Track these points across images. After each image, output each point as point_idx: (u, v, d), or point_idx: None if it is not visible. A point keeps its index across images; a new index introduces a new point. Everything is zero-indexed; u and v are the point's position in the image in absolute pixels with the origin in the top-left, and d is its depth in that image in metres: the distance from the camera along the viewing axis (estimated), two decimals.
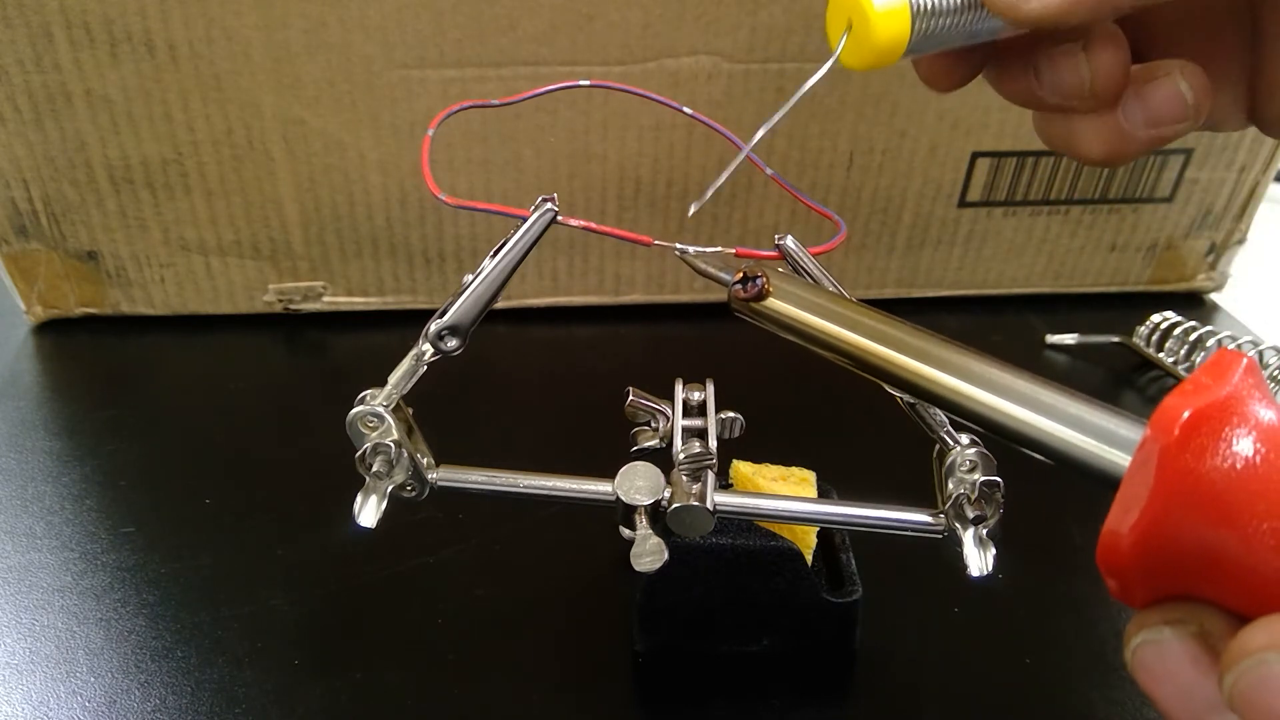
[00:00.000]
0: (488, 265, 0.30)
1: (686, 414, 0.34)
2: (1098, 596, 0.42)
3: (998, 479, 0.30)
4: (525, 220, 0.30)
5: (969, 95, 0.56)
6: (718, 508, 0.32)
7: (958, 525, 0.31)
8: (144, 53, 0.50)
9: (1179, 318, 0.59)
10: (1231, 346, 0.57)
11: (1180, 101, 0.27)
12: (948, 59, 0.29)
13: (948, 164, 0.59)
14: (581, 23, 0.52)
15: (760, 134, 0.28)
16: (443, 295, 0.60)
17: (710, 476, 0.32)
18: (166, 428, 0.52)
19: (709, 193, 0.29)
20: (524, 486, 0.33)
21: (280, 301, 0.61)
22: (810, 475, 0.38)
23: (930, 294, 0.65)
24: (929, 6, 0.25)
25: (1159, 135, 0.28)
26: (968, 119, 0.58)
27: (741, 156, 0.29)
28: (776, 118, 0.28)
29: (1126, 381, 0.59)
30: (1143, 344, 0.59)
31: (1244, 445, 0.19)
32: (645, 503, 0.32)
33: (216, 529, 0.45)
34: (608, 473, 0.33)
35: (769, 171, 0.35)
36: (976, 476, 0.30)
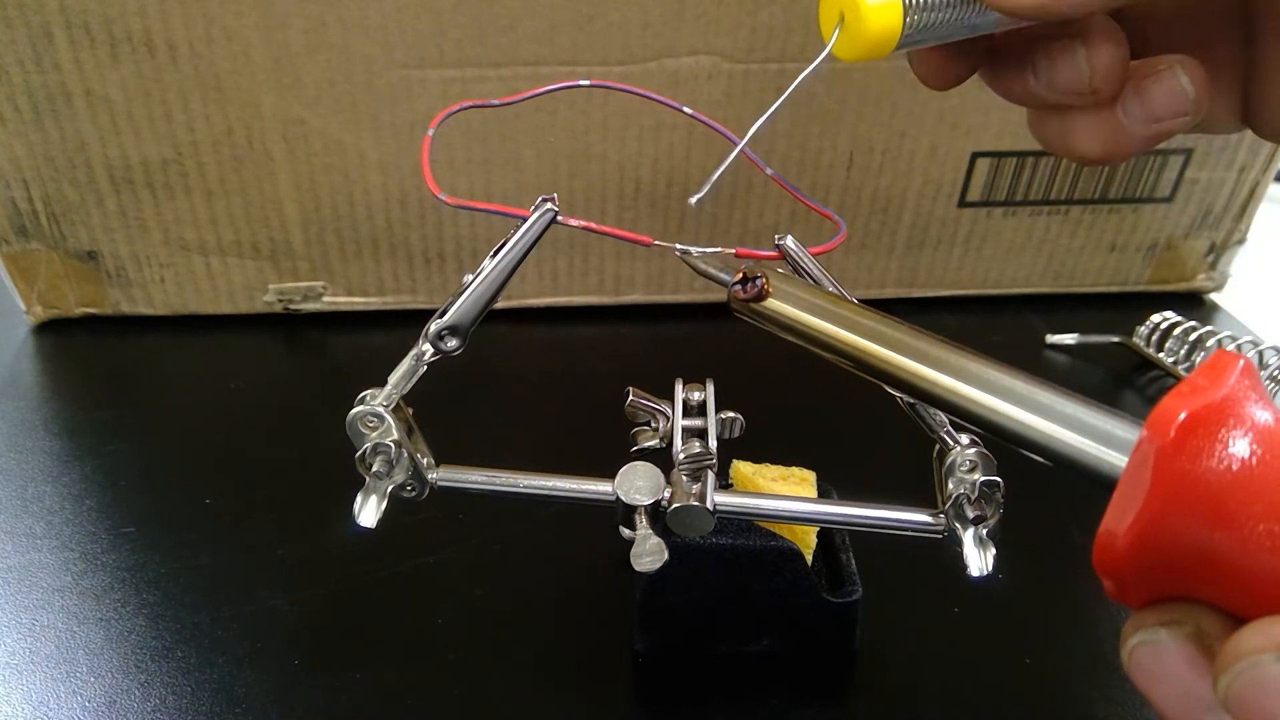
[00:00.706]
0: (488, 265, 0.30)
1: (686, 414, 0.34)
2: (1098, 596, 0.42)
3: (998, 479, 0.30)
4: (525, 220, 0.30)
5: (969, 95, 0.56)
6: (718, 508, 0.32)
7: (958, 525, 0.31)
8: (144, 53, 0.50)
9: (1179, 318, 0.59)
10: (1231, 346, 0.57)
11: (1181, 96, 0.27)
12: (943, 56, 0.28)
13: (948, 164, 0.59)
14: (581, 23, 0.52)
15: (756, 126, 0.29)
16: (443, 295, 0.60)
17: (710, 476, 0.32)
18: (166, 428, 0.52)
19: (708, 184, 0.29)
20: (524, 486, 0.33)
21: (280, 301, 0.61)
22: (810, 475, 0.38)
23: (930, 294, 0.65)
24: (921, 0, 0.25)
25: (1158, 131, 0.28)
26: (968, 119, 0.58)
27: (737, 151, 0.29)
28: (772, 109, 0.28)
29: (1126, 381, 0.59)
30: (1143, 344, 0.59)
31: (1240, 447, 0.19)
32: (645, 503, 0.32)
33: (216, 529, 0.45)
34: (608, 473, 0.33)
35: (769, 171, 0.35)
36: (976, 476, 0.30)
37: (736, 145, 0.30)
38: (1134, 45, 0.28)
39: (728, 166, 0.29)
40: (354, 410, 0.31)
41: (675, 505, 0.31)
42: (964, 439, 0.31)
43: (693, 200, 0.30)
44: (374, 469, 0.32)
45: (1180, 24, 0.29)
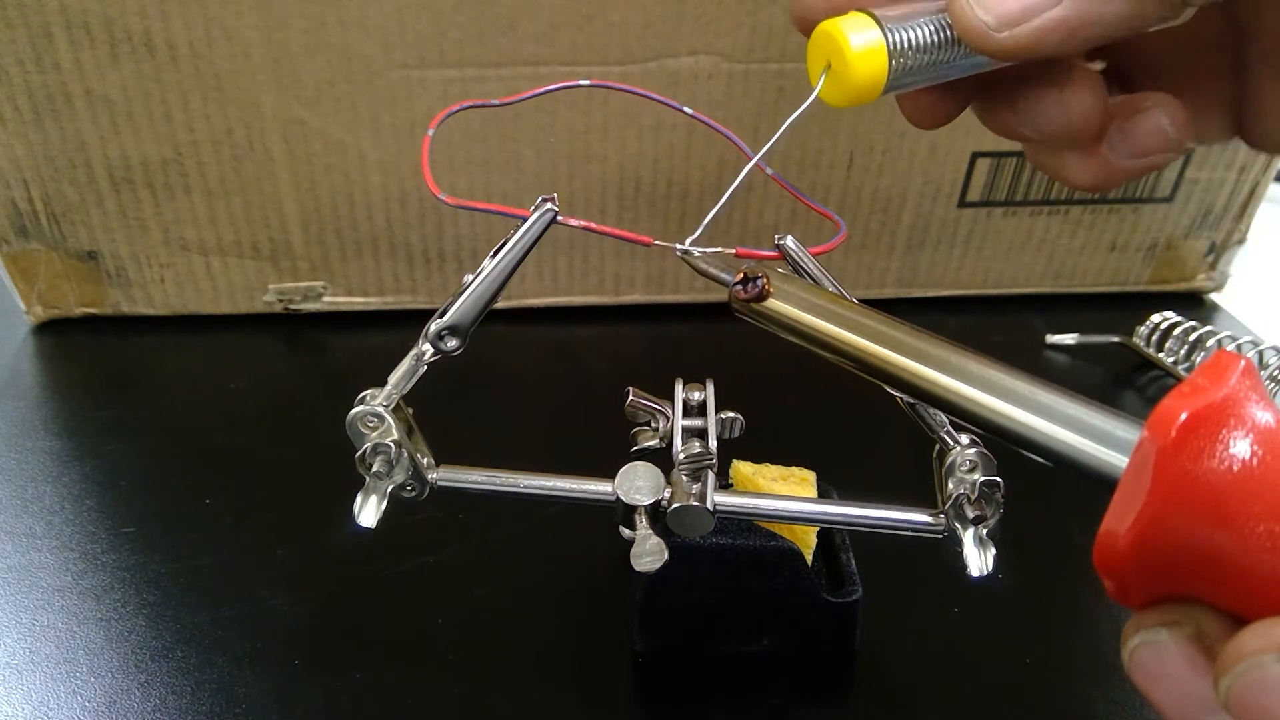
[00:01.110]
0: (488, 265, 0.30)
1: (686, 414, 0.34)
2: (1098, 596, 0.42)
3: (998, 479, 0.30)
4: (525, 220, 0.30)
5: None
6: (718, 508, 0.32)
7: (958, 525, 0.31)
8: (144, 53, 0.50)
9: (1179, 318, 0.59)
10: (1231, 347, 0.57)
11: (1162, 135, 0.28)
12: (931, 97, 0.29)
13: (948, 164, 0.59)
14: (581, 23, 0.52)
15: (747, 169, 0.30)
16: (443, 295, 0.60)
17: (710, 476, 0.32)
18: (167, 428, 0.52)
19: (701, 227, 0.30)
20: (524, 486, 0.33)
21: (280, 301, 0.61)
22: (810, 475, 0.38)
23: (930, 294, 0.65)
24: (906, 45, 0.25)
25: (1144, 165, 0.29)
26: (968, 119, 0.57)
27: (726, 196, 0.30)
28: (765, 148, 0.30)
29: (1126, 381, 0.59)
30: (1143, 344, 0.59)
31: (1240, 447, 0.19)
32: (645, 503, 0.32)
33: (216, 529, 0.45)
34: (608, 473, 0.33)
35: (769, 171, 0.35)
36: (976, 476, 0.30)
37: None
38: (1126, 72, 0.30)
39: (725, 202, 0.30)
40: (354, 410, 0.31)
41: (675, 505, 0.31)
42: (964, 439, 0.31)
43: (689, 241, 0.30)
44: (374, 469, 0.31)
45: (1172, 50, 0.30)
